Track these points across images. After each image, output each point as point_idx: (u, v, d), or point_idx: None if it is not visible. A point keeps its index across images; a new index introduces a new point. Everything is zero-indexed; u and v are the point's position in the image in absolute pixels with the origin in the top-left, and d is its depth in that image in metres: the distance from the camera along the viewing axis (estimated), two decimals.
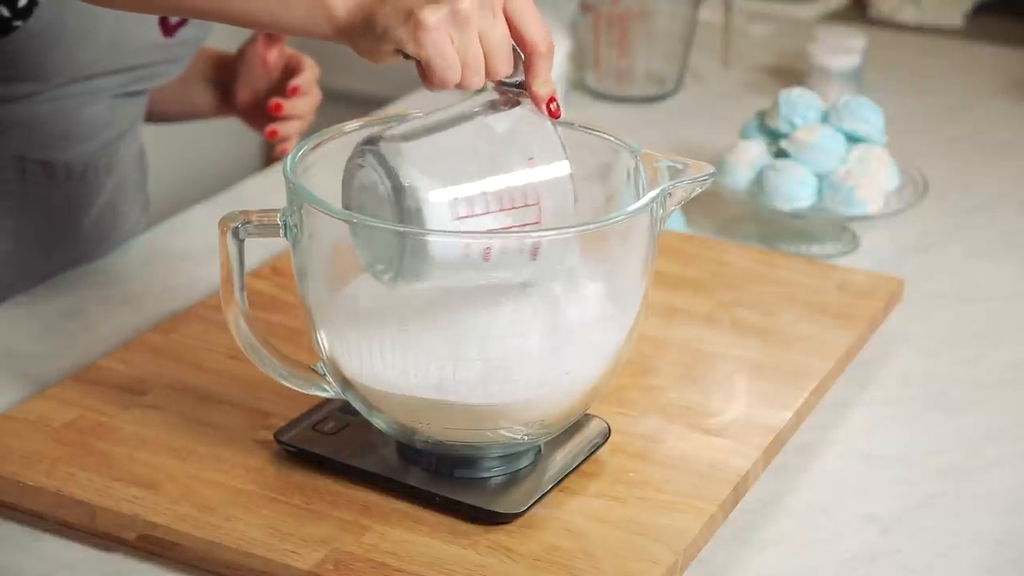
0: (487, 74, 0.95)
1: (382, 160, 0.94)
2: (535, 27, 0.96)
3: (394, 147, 0.95)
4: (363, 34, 0.94)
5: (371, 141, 0.96)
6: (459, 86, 0.94)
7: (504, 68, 0.96)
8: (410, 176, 0.93)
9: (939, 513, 1.09)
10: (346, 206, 0.98)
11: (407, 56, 0.93)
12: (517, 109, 0.98)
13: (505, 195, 0.94)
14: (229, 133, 2.53)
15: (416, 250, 0.92)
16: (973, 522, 1.08)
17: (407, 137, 0.95)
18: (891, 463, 1.15)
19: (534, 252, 0.94)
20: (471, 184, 0.94)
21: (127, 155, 1.43)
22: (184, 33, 1.35)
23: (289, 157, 1.00)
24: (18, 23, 1.21)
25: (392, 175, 0.94)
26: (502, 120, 0.97)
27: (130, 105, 1.39)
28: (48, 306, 1.30)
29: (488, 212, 0.94)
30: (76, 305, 1.31)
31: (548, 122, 0.97)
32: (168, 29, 1.33)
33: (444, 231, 0.93)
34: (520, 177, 0.95)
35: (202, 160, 2.62)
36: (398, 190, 0.93)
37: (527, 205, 0.94)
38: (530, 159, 0.95)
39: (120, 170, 1.42)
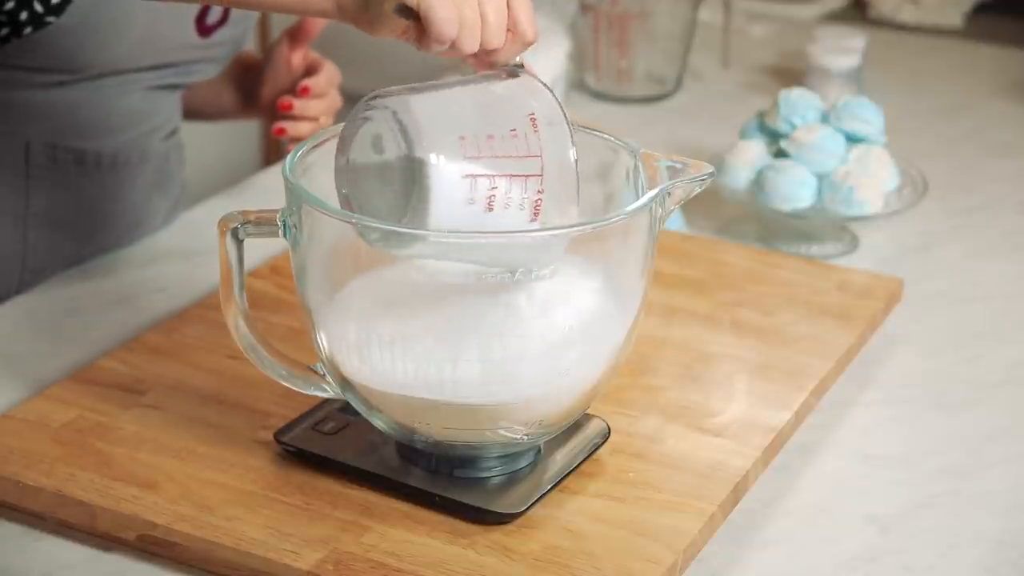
0: (481, 42, 0.96)
1: (387, 107, 0.95)
2: (526, 13, 0.98)
3: (399, 98, 0.95)
4: (364, 3, 0.96)
5: (374, 98, 0.97)
6: (453, 46, 0.95)
7: (497, 38, 0.97)
8: (419, 123, 0.94)
9: (939, 513, 1.09)
10: (344, 162, 0.98)
11: (407, 11, 0.94)
12: (515, 80, 0.99)
13: (510, 145, 0.95)
14: (229, 133, 2.53)
15: (422, 196, 0.93)
16: (973, 522, 1.08)
17: (411, 91, 0.97)
18: (891, 463, 1.15)
19: (536, 209, 0.95)
20: (474, 130, 0.95)
21: (162, 148, 1.44)
22: (222, 34, 1.37)
23: (288, 157, 1.00)
24: (51, 19, 1.22)
25: (398, 119, 0.94)
26: (501, 85, 0.99)
27: (166, 98, 1.41)
28: (48, 306, 1.30)
29: (496, 156, 0.94)
30: (76, 305, 1.31)
31: (546, 89, 0.98)
32: (204, 30, 1.35)
33: (445, 232, 0.93)
34: (522, 129, 0.95)
35: (202, 160, 2.62)
36: (406, 133, 0.94)
37: (530, 155, 0.95)
38: (531, 114, 0.96)
39: (154, 163, 1.43)
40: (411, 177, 0.94)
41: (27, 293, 1.33)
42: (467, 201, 0.94)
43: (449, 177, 0.93)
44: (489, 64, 0.99)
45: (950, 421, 1.21)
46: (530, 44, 0.99)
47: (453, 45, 0.95)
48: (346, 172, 0.98)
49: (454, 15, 0.94)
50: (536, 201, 0.95)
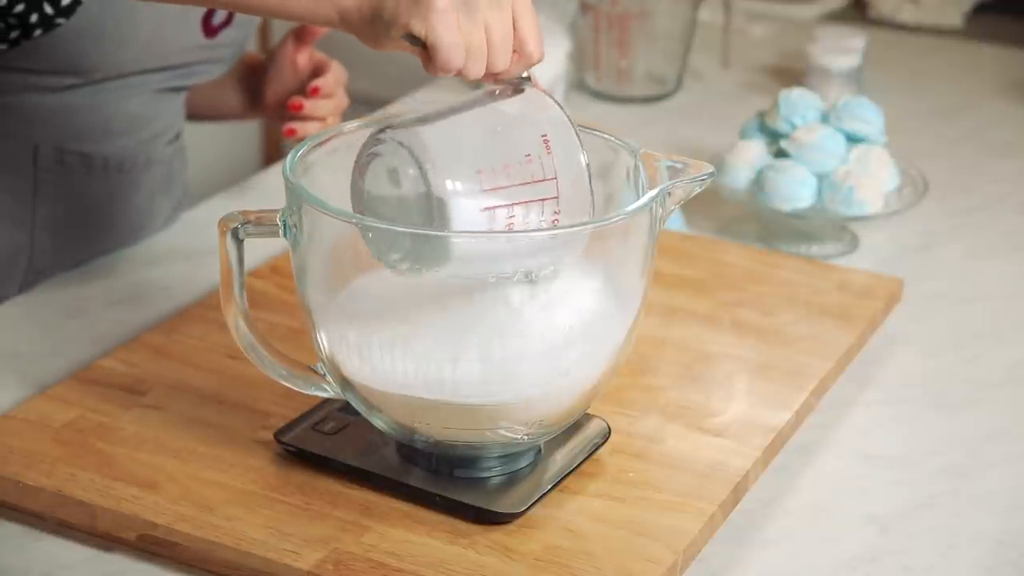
0: (487, 65, 0.96)
1: (401, 144, 0.95)
2: (533, 34, 0.98)
3: (411, 132, 0.96)
4: (370, 20, 0.96)
5: (384, 130, 0.97)
6: (460, 73, 0.95)
7: (503, 62, 0.97)
8: (435, 161, 0.94)
9: (939, 513, 1.09)
10: (359, 196, 0.98)
11: (413, 39, 0.94)
12: (522, 96, 0.99)
13: (526, 171, 0.95)
14: (230, 133, 2.53)
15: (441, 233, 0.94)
16: (973, 522, 1.08)
17: (422, 122, 0.97)
18: (891, 463, 1.15)
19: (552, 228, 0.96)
20: (489, 161, 0.95)
21: (167, 153, 1.44)
22: (227, 35, 1.38)
23: (289, 157, 1.00)
24: (60, 21, 1.23)
25: (414, 156, 0.94)
26: (510, 104, 0.99)
27: (171, 101, 1.41)
28: (48, 306, 1.30)
29: (512, 185, 0.95)
30: (76, 305, 1.31)
31: (555, 104, 0.98)
32: (210, 31, 1.36)
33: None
34: (536, 152, 0.96)
35: (203, 160, 2.62)
36: (423, 171, 0.94)
37: (545, 179, 0.96)
38: (544, 135, 0.96)
39: (159, 165, 1.43)
40: (430, 214, 0.94)
41: (28, 293, 1.33)
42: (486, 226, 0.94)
43: (469, 213, 0.94)
44: (494, 81, 0.99)
45: (950, 421, 1.21)
46: (535, 64, 0.99)
47: (459, 72, 0.96)
48: (362, 199, 0.98)
49: (460, 42, 0.94)
50: (553, 221, 0.96)
